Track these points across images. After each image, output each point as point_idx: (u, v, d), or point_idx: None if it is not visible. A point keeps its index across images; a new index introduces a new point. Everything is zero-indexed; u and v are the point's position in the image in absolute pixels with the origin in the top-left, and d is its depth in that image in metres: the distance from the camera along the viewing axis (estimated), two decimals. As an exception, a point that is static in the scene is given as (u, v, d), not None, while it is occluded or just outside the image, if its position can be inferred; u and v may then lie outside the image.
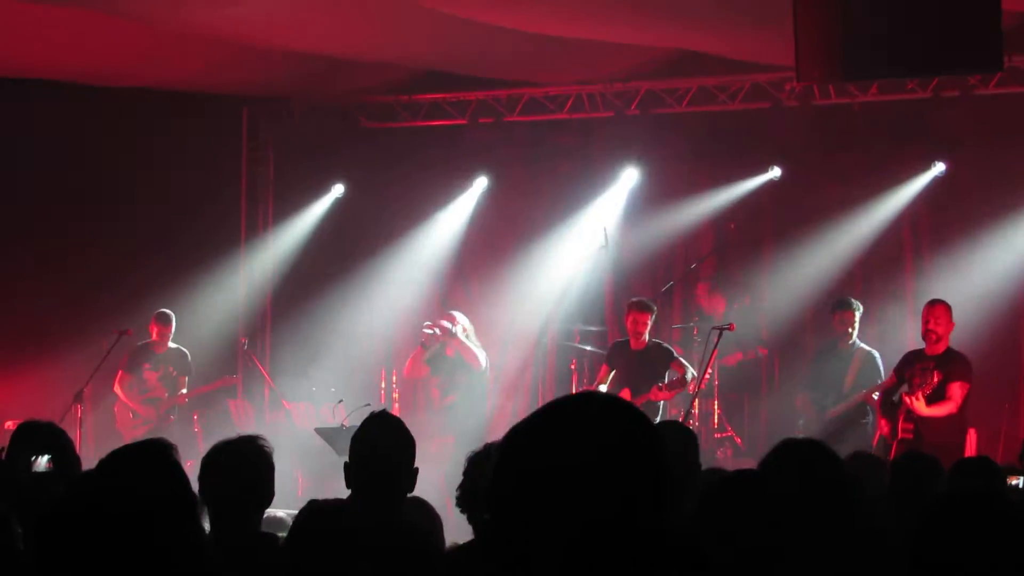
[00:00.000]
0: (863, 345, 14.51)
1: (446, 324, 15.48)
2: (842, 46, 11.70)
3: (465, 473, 6.29)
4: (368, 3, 14.05)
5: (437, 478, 14.89)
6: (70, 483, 4.98)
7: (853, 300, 14.64)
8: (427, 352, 15.57)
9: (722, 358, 15.24)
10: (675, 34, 15.45)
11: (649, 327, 14.89)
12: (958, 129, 16.40)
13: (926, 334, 13.63)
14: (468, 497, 6.11)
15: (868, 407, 14.17)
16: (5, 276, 17.22)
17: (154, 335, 16.49)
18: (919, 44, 11.61)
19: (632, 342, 14.95)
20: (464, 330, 15.47)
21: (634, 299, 15.22)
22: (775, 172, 17.15)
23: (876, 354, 14.46)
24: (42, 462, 6.22)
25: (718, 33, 15.03)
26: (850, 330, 14.44)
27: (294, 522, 5.60)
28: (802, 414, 14.55)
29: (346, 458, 6.42)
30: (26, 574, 4.80)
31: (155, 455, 4.58)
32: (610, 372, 15.12)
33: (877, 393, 13.98)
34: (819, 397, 14.42)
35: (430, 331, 15.56)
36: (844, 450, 11.76)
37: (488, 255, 18.58)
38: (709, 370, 14.62)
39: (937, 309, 13.70)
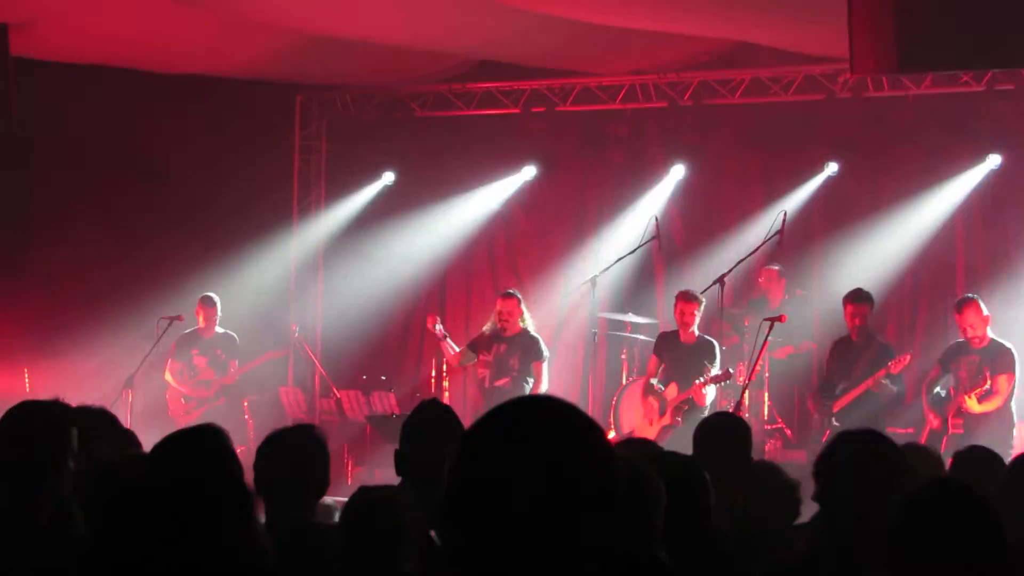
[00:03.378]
0: (878, 338, 14.42)
1: (507, 305, 15.43)
2: (896, 38, 11.66)
3: None
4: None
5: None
6: (125, 469, 5.04)
7: (867, 292, 14.47)
8: (485, 328, 15.54)
9: (773, 351, 15.21)
10: (729, 25, 15.44)
11: (698, 318, 14.89)
12: (1013, 122, 16.33)
13: (969, 340, 13.65)
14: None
15: (876, 394, 14.02)
16: (59, 260, 17.33)
17: (200, 320, 16.56)
18: (974, 37, 11.57)
19: (681, 333, 14.97)
20: (521, 313, 15.44)
21: (682, 289, 15.24)
22: (831, 168, 17.09)
23: (891, 348, 14.37)
24: (100, 448, 6.26)
25: (772, 24, 15.00)
26: (862, 323, 14.27)
27: (344, 508, 5.63)
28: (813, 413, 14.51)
29: (396, 447, 6.47)
30: (87, 558, 4.85)
31: (207, 441, 4.61)
32: (659, 364, 15.14)
33: (885, 379, 13.85)
34: (828, 391, 14.31)
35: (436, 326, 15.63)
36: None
37: (539, 244, 18.62)
38: (760, 361, 14.60)
39: (967, 311, 13.71)
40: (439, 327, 15.85)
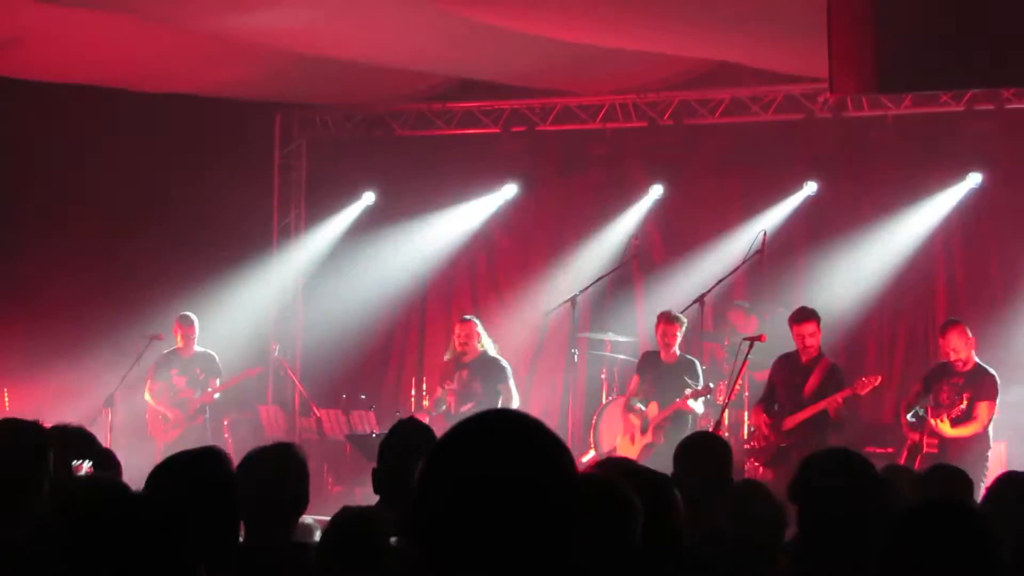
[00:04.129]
0: (826, 357, 14.12)
1: (465, 330, 15.47)
2: (876, 58, 11.68)
3: None
4: (402, 11, 14.08)
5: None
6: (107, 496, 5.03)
7: (811, 309, 14.30)
8: (445, 358, 15.57)
9: (754, 371, 15.19)
10: (709, 45, 15.46)
11: (679, 339, 14.90)
12: (992, 142, 16.37)
13: (952, 363, 13.56)
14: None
15: (827, 418, 13.74)
16: (39, 279, 17.29)
17: (179, 339, 16.49)
18: (954, 57, 11.60)
19: (662, 353, 14.96)
20: (479, 336, 15.45)
21: (664, 311, 15.22)
22: (811, 188, 17.12)
23: (838, 368, 14.08)
24: (84, 467, 6.25)
25: (752, 44, 15.03)
26: (808, 341, 13.97)
27: (326, 528, 5.63)
28: (754, 426, 14.37)
29: (375, 464, 6.48)
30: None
31: (210, 468, 4.58)
32: (640, 382, 15.15)
33: (838, 401, 13.70)
34: (774, 409, 14.16)
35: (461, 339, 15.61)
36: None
37: (520, 264, 18.62)
38: (740, 381, 14.59)
39: (951, 335, 13.59)
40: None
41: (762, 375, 14.86)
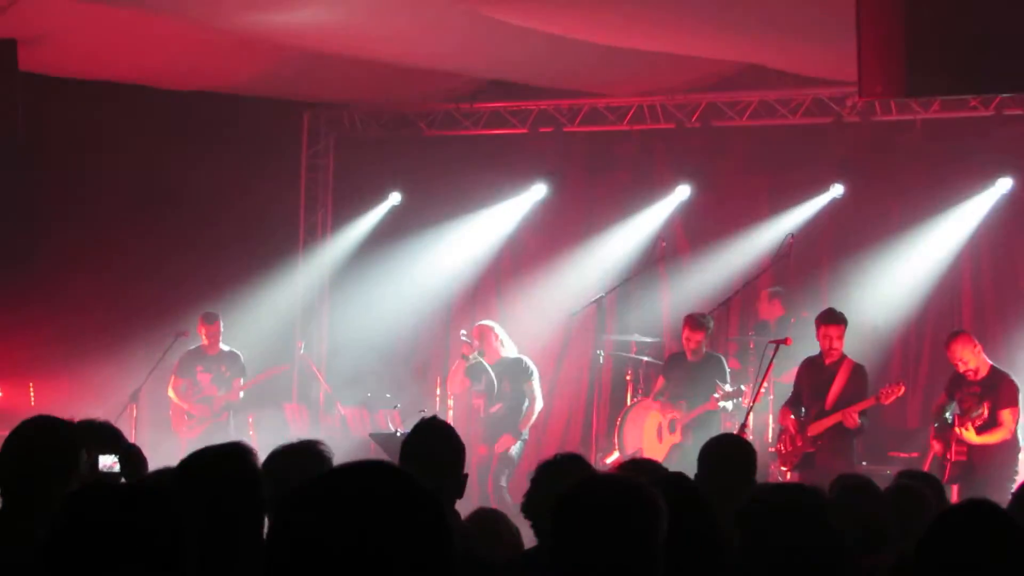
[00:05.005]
0: (849, 358, 14.02)
1: (481, 335, 15.56)
2: (905, 62, 11.64)
3: (533, 480, 6.30)
4: (431, 12, 14.10)
5: (484, 482, 15.02)
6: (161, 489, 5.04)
7: (841, 313, 14.26)
8: (467, 363, 15.62)
9: (779, 375, 15.14)
10: (737, 48, 15.43)
11: (704, 344, 14.89)
12: (1021, 147, 16.30)
13: (964, 373, 13.48)
14: (534, 504, 6.11)
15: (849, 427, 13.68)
16: (65, 275, 17.32)
17: (204, 337, 16.52)
18: (983, 62, 11.56)
19: (688, 354, 14.97)
20: (497, 338, 15.53)
21: (690, 314, 15.19)
22: (837, 190, 17.07)
23: (862, 368, 13.98)
24: (107, 462, 6.26)
25: (781, 47, 15.01)
26: (835, 344, 13.92)
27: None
28: (782, 428, 14.28)
29: (398, 462, 6.46)
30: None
31: (237, 464, 4.57)
32: (666, 383, 15.14)
33: (859, 411, 13.63)
34: (800, 412, 14.07)
35: (467, 339, 15.63)
36: (831, 467, 11.74)
37: (546, 264, 18.58)
38: (765, 384, 14.55)
39: (955, 347, 13.49)
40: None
41: (789, 377, 14.82)
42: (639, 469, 6.57)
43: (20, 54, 14.94)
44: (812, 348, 14.13)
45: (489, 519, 6.96)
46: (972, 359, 13.40)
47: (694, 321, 14.94)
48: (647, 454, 14.20)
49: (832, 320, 13.93)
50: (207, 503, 4.13)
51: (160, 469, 6.15)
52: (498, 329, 15.60)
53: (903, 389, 13.66)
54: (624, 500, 4.39)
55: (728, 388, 14.53)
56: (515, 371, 15.38)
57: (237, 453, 4.64)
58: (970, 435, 13.22)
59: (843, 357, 13.93)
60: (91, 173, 17.53)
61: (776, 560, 5.23)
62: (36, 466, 5.60)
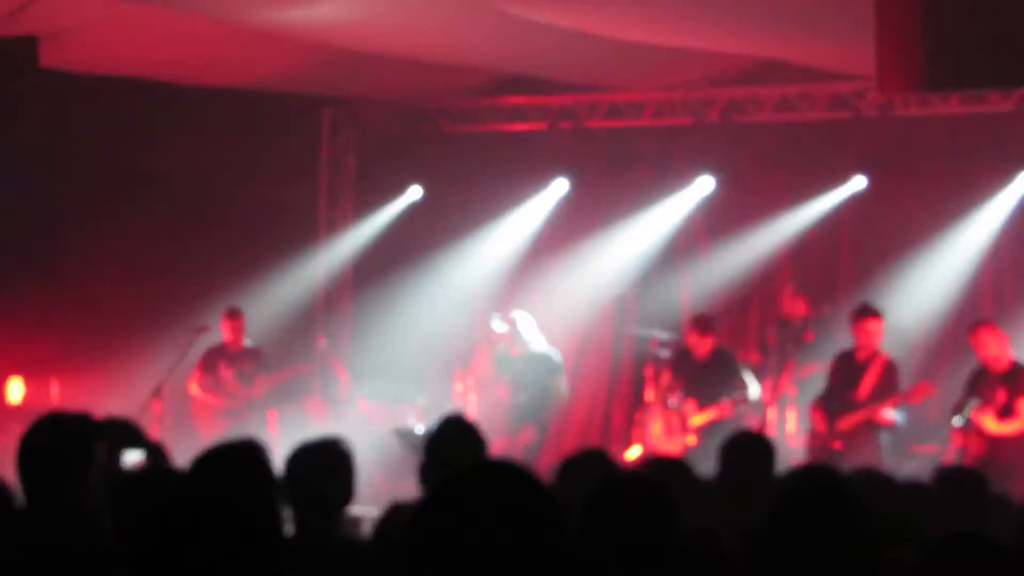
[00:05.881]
0: (882, 353, 13.97)
1: (514, 324, 15.54)
2: (925, 56, 11.59)
3: (560, 475, 6.32)
4: (450, 7, 14.09)
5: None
6: (157, 483, 5.03)
7: (879, 308, 14.20)
8: (493, 350, 15.61)
9: (798, 370, 15.11)
10: (757, 42, 15.41)
11: (712, 346, 14.82)
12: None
13: (987, 363, 13.41)
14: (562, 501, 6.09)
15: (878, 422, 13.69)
16: (88, 271, 17.32)
17: (226, 333, 16.50)
18: (1004, 55, 11.51)
19: (694, 353, 14.91)
20: (529, 329, 15.51)
21: (695, 317, 15.17)
22: (858, 186, 17.00)
23: (894, 365, 13.95)
24: (131, 459, 6.27)
25: (799, 41, 14.97)
26: (874, 339, 13.89)
27: (377, 524, 5.65)
28: (811, 425, 14.20)
29: (420, 458, 6.65)
30: (115, 572, 4.85)
31: (248, 458, 4.59)
32: (672, 378, 15.10)
33: (891, 408, 13.59)
34: (832, 408, 14.03)
35: (497, 325, 15.61)
36: (858, 463, 11.70)
37: (565, 258, 18.56)
38: (784, 381, 14.52)
39: (980, 335, 13.43)
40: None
41: (805, 371, 14.78)
42: (662, 466, 6.58)
43: (41, 51, 14.97)
44: (833, 346, 14.09)
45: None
46: (995, 346, 13.32)
47: (701, 325, 14.87)
48: (663, 451, 14.17)
49: (871, 313, 13.91)
50: (219, 501, 4.12)
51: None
52: (530, 321, 15.57)
53: (934, 390, 13.60)
54: (652, 501, 4.40)
55: (745, 394, 14.46)
56: (544, 365, 15.37)
57: (248, 450, 4.64)
58: (989, 421, 13.15)
59: (876, 352, 13.88)
60: (113, 169, 17.50)
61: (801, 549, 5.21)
62: (51, 460, 5.61)
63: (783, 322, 16.46)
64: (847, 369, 13.94)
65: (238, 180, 17.78)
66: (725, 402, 14.43)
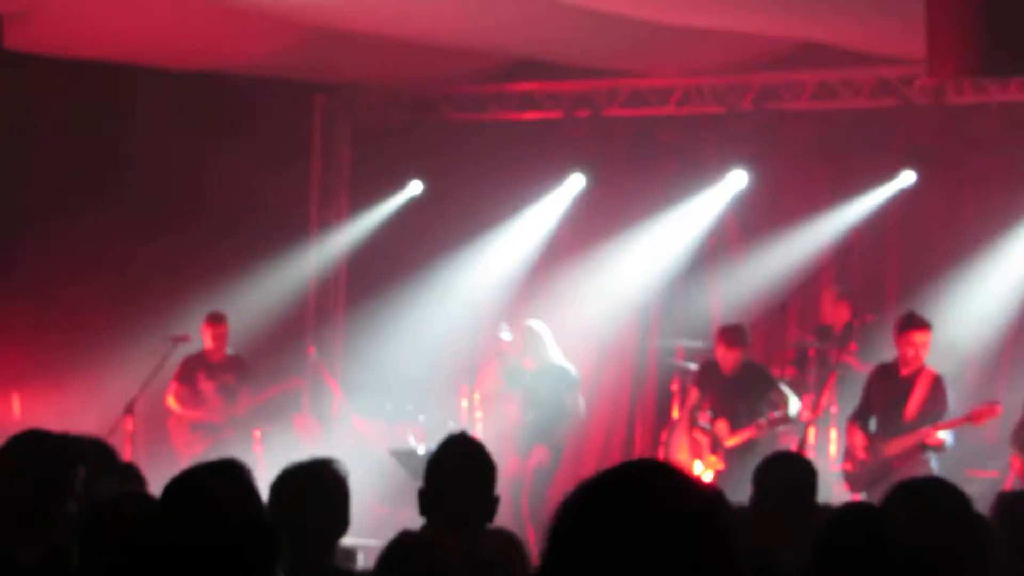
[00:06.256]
0: (929, 368, 13.85)
1: (526, 336, 15.52)
2: (980, 38, 11.55)
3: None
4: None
5: (517, 502, 14.97)
6: (128, 509, 5.00)
7: (927, 319, 14.11)
8: (502, 364, 15.60)
9: (841, 385, 15.08)
10: (793, 22, 15.37)
11: (740, 360, 14.77)
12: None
13: None
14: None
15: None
16: (53, 273, 17.30)
17: (208, 340, 16.46)
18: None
19: (722, 367, 14.87)
20: (543, 341, 15.48)
21: (723, 328, 15.11)
22: (907, 178, 16.96)
23: (942, 381, 13.80)
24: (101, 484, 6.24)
25: (842, 22, 14.94)
26: (921, 353, 13.72)
27: (382, 555, 5.64)
28: (848, 446, 14.11)
29: (421, 483, 6.56)
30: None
31: (228, 481, 4.55)
32: (700, 396, 15.07)
33: (944, 430, 13.53)
34: (870, 427, 13.90)
35: (507, 337, 15.59)
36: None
37: (582, 261, 18.53)
38: (828, 396, 14.47)
39: None
40: None
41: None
42: None
43: (5, 31, 14.96)
44: (879, 356, 14.04)
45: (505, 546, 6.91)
46: None
47: (729, 337, 14.80)
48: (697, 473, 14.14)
49: (919, 325, 13.74)
50: (194, 528, 4.09)
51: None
52: (545, 332, 15.55)
53: (999, 410, 13.54)
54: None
55: (784, 412, 14.42)
56: (559, 379, 15.34)
57: (230, 472, 4.60)
58: None
59: (922, 367, 13.81)
60: (82, 161, 17.50)
61: None
62: (29, 485, 5.58)
63: (823, 331, 16.43)
64: (890, 386, 13.85)
65: (221, 174, 17.75)
66: (762, 421, 14.37)
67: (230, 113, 17.87)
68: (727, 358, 14.68)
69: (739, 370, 14.70)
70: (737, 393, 14.61)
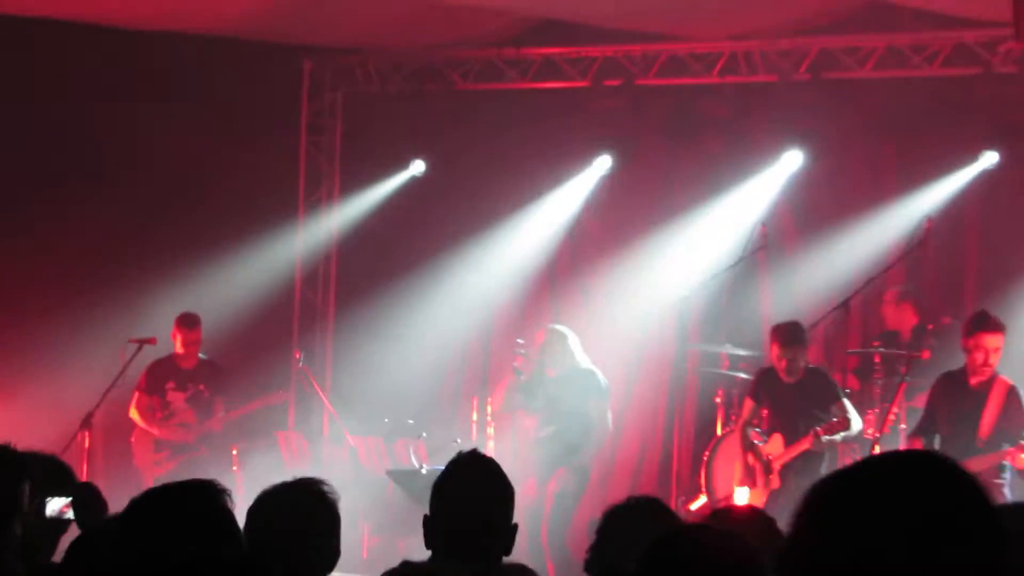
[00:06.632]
0: (1002, 377, 13.84)
1: (548, 340, 15.48)
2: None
3: (600, 531, 6.25)
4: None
5: (536, 532, 14.94)
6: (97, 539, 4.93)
7: (1001, 321, 14.01)
8: (519, 381, 15.57)
9: (911, 398, 15.03)
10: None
11: (800, 362, 14.70)
12: None
13: None
14: (602, 561, 6.01)
15: (1006, 463, 13.56)
16: (-1, 267, 17.36)
17: (178, 345, 16.54)
18: None
19: (782, 374, 14.80)
20: (567, 346, 15.44)
21: (778, 325, 15.07)
22: (990, 159, 16.91)
23: (1019, 390, 13.80)
24: (56, 506, 6.25)
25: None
26: (992, 359, 13.73)
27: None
28: None
29: (426, 510, 6.50)
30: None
31: (199, 504, 4.49)
32: (755, 408, 15.02)
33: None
34: (934, 444, 13.80)
35: (523, 351, 15.57)
36: None
37: (612, 254, 18.51)
38: (895, 410, 14.42)
39: None
40: None
41: (923, 401, 14.70)
42: (736, 519, 6.48)
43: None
44: (956, 364, 13.98)
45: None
46: None
47: (785, 333, 14.78)
48: (741, 501, 14.09)
49: (989, 327, 13.72)
50: (155, 559, 4.02)
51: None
52: (570, 336, 15.53)
53: None
54: (726, 561, 4.27)
55: (846, 427, 14.36)
56: (585, 388, 15.33)
57: (203, 494, 4.54)
58: None
59: (994, 376, 13.75)
60: (34, 139, 17.49)
61: None
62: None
63: (888, 337, 16.37)
64: (958, 398, 13.88)
65: (195, 152, 17.78)
66: (818, 429, 14.28)
67: (204, 81, 17.87)
68: (783, 357, 14.60)
69: (801, 377, 14.64)
70: (797, 404, 14.57)
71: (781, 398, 14.80)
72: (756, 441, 14.89)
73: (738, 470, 15.00)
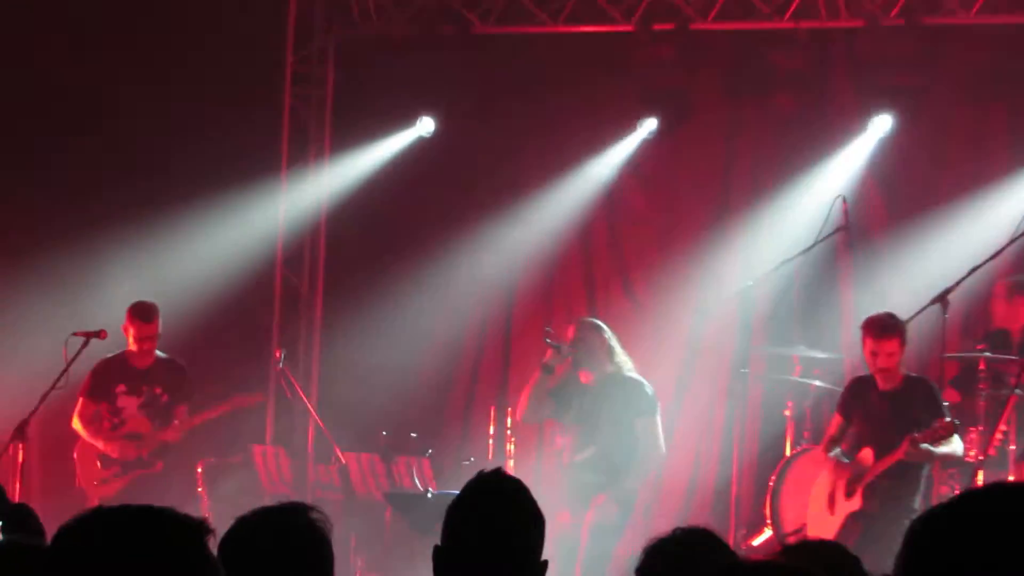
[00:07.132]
0: None
1: (580, 336, 15.39)
2: None
3: (640, 570, 6.22)
4: None
5: (569, 570, 14.92)
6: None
7: None
8: (550, 380, 15.48)
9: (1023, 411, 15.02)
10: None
11: (900, 357, 14.65)
12: None
13: None
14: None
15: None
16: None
17: (131, 340, 16.45)
18: None
19: (878, 379, 14.73)
20: (604, 345, 15.35)
21: (872, 317, 15.01)
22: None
23: None
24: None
25: None
26: None
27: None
28: None
29: (431, 541, 6.47)
30: None
31: (150, 530, 4.39)
32: (843, 425, 14.94)
33: None
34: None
35: (553, 342, 15.46)
36: None
37: (658, 234, 18.47)
38: (1003, 427, 14.37)
39: None
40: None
41: None
42: (811, 554, 6.44)
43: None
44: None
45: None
46: None
47: (879, 324, 14.72)
48: (814, 531, 14.05)
49: None
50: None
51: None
52: (607, 332, 15.42)
53: None
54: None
55: (958, 444, 14.31)
56: (627, 399, 15.24)
57: (157, 521, 4.44)
58: None
59: None
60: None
61: None
62: None
63: (997, 338, 16.32)
64: None
65: (161, 108, 17.79)
66: (915, 435, 14.21)
67: (171, 23, 17.87)
68: (880, 351, 14.56)
69: (899, 385, 14.57)
70: (894, 417, 14.50)
71: (875, 408, 14.74)
72: (843, 458, 14.83)
73: (819, 494, 14.93)
